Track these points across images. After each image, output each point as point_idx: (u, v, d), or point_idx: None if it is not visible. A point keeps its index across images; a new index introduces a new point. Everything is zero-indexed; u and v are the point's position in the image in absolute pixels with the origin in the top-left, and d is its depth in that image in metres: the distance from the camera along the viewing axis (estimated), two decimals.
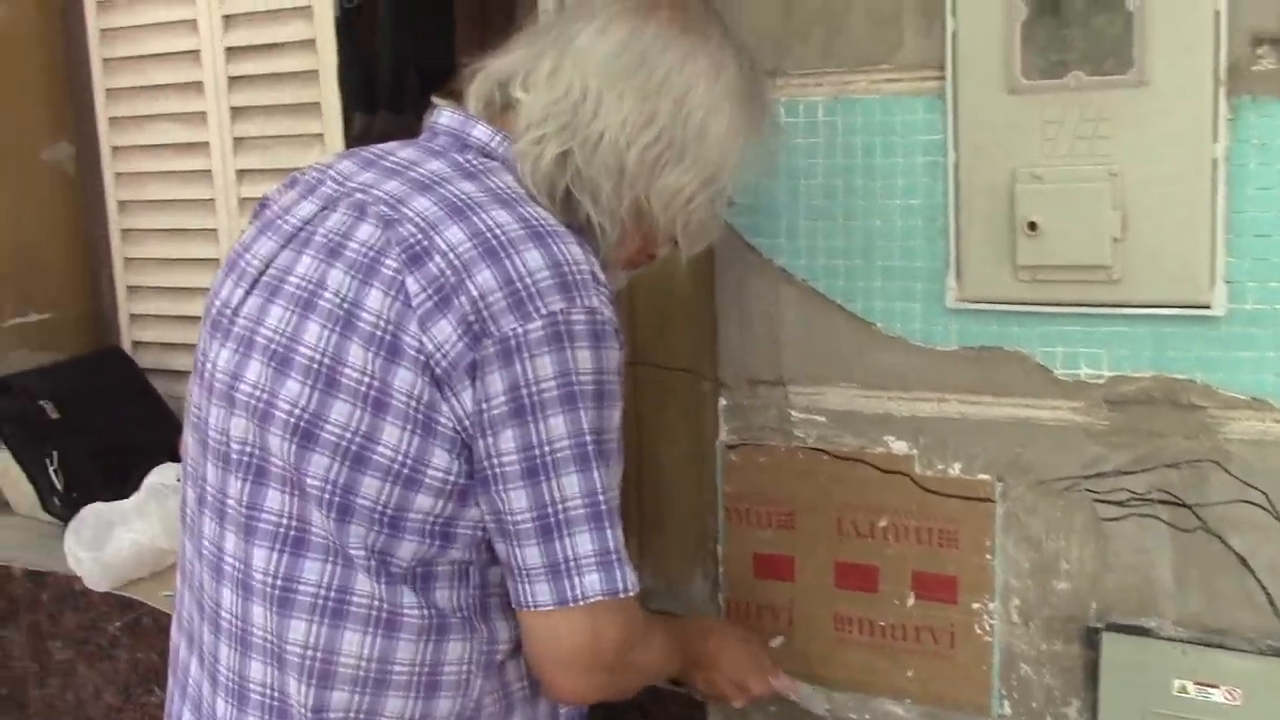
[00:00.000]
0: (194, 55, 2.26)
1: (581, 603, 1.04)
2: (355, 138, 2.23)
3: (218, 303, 1.18)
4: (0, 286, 2.33)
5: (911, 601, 1.46)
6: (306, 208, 1.16)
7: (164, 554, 1.93)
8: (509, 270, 1.03)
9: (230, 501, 1.10)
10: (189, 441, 1.20)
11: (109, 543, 1.91)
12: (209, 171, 2.29)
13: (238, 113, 2.24)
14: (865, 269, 1.45)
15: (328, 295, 1.07)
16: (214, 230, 2.30)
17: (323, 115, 2.15)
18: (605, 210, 1.14)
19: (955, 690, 1.44)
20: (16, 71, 2.35)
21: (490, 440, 1.03)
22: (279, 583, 1.07)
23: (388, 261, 1.06)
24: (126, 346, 2.45)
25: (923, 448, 1.43)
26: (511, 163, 1.14)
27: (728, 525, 1.55)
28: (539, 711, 1.18)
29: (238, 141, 2.25)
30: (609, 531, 1.05)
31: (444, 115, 1.19)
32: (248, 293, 1.14)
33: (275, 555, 1.07)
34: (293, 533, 1.07)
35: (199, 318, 2.34)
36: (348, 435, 1.04)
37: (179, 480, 1.95)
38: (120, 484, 2.12)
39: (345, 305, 1.06)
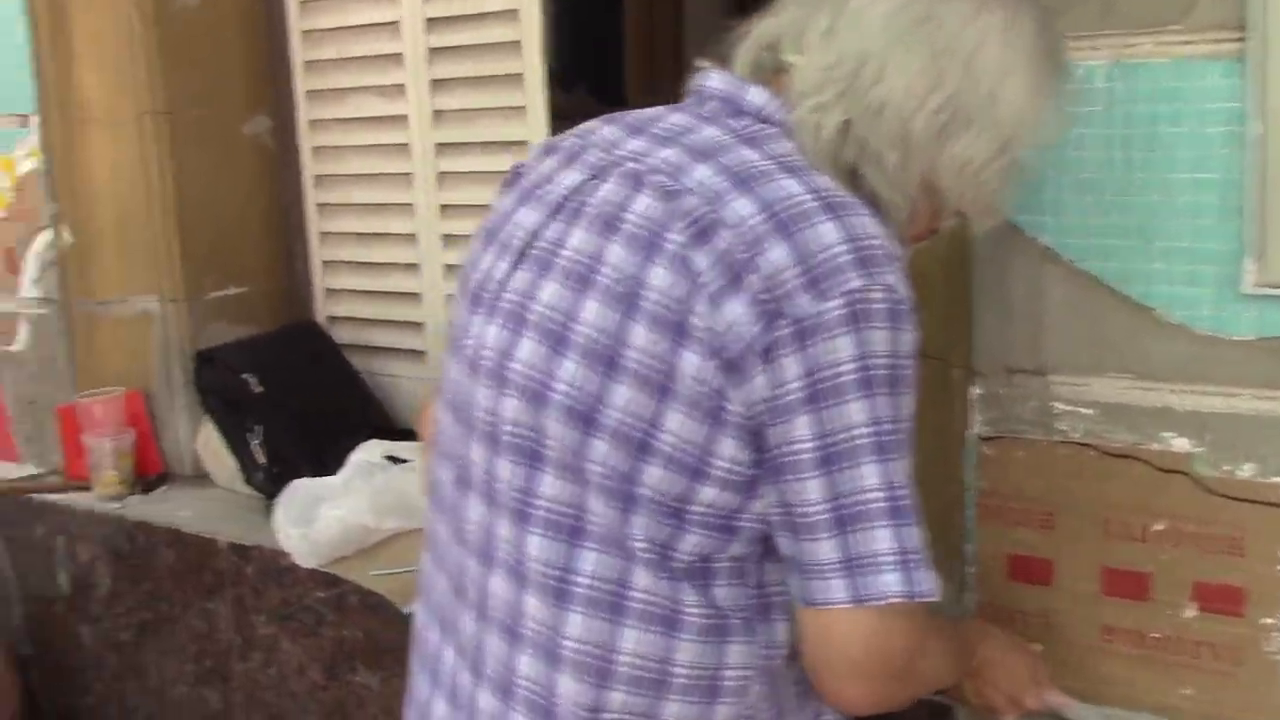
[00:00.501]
0: (394, 27, 2.23)
1: (877, 603, 0.95)
2: None
3: (477, 275, 1.12)
4: (202, 260, 2.34)
5: (1190, 613, 1.34)
6: (571, 177, 1.09)
7: (369, 532, 1.90)
8: (803, 245, 0.95)
9: (501, 485, 1.05)
10: (444, 419, 1.15)
11: (316, 519, 1.89)
12: (407, 145, 2.26)
13: (437, 85, 2.20)
14: (1143, 249, 1.33)
15: (606, 271, 1.00)
16: (410, 205, 2.27)
17: (525, 87, 2.10)
18: (893, 183, 1.04)
19: (1238, 712, 1.32)
20: (218, 44, 2.35)
21: (782, 428, 0.95)
22: (555, 573, 1.01)
23: (671, 235, 0.98)
24: (320, 321, 2.45)
25: (1208, 446, 1.31)
26: (789, 129, 1.05)
27: (978, 523, 1.45)
28: (804, 717, 1.10)
29: (437, 114, 2.21)
30: (908, 529, 0.96)
31: (713, 78, 1.11)
32: (514, 266, 1.08)
33: (552, 544, 1.01)
34: (569, 521, 1.01)
35: (393, 293, 2.34)
36: (630, 421, 0.98)
37: (385, 458, 1.94)
38: (319, 459, 2.11)
39: (626, 282, 0.99)
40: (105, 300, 2.35)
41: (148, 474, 2.34)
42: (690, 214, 0.98)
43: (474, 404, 1.08)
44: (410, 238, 2.29)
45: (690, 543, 1.00)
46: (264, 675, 2.05)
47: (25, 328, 2.42)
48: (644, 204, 1.01)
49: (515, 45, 2.10)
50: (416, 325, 2.32)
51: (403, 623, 1.82)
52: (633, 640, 1.01)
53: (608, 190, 1.05)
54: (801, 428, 0.95)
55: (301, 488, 1.94)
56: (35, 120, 2.31)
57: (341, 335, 2.40)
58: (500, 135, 2.14)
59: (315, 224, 2.43)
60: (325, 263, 2.44)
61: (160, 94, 2.26)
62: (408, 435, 2.14)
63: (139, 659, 2.23)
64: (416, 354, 2.32)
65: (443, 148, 2.22)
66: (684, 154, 1.04)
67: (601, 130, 1.13)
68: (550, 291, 1.03)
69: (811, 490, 0.96)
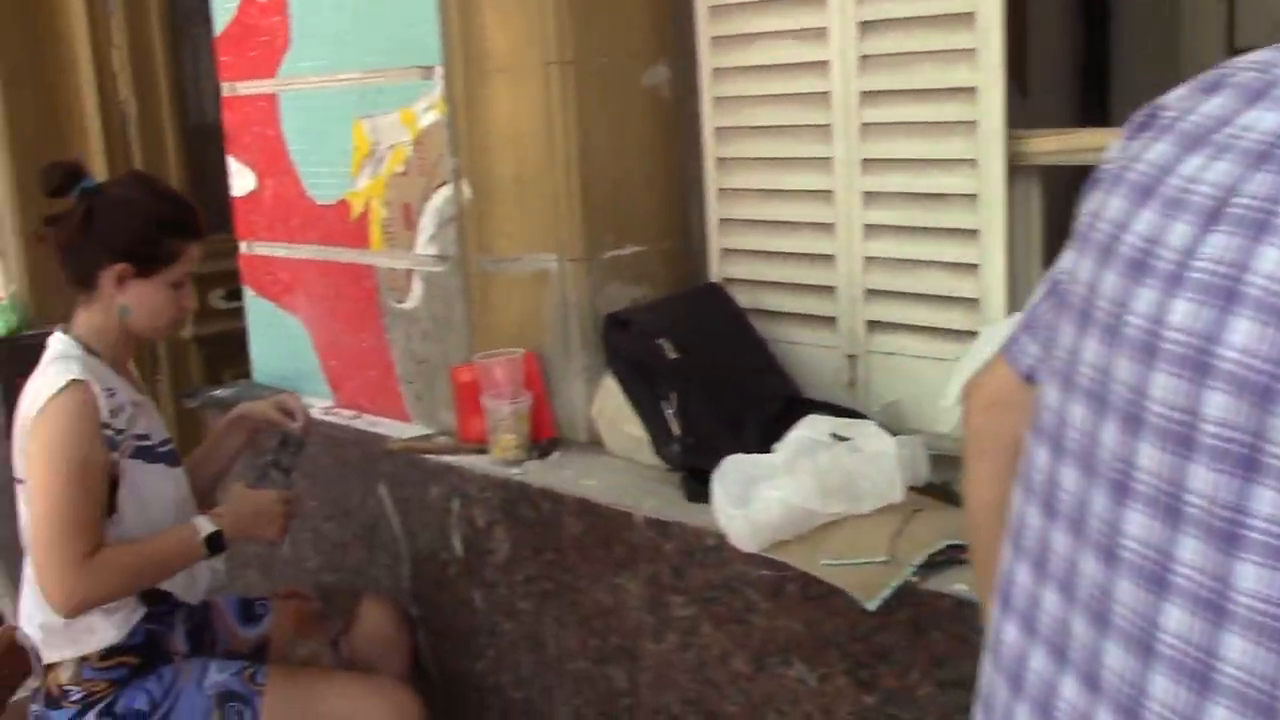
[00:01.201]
0: None
1: None
2: None
3: (1131, 238, 0.92)
4: (601, 218, 2.24)
5: None
6: (1270, 118, 0.88)
7: (811, 515, 1.75)
8: None
9: (1196, 499, 0.85)
10: (1073, 409, 0.96)
11: (754, 499, 1.75)
12: (825, 94, 2.08)
13: (867, 27, 2.01)
14: None
15: None
16: (827, 159, 2.09)
17: (975, 26, 1.88)
18: None
19: None
20: None
21: None
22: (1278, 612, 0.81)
23: None
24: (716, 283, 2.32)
25: None
26: None
27: None
28: None
29: (864, 60, 2.02)
30: None
31: None
32: (1204, 229, 0.87)
33: (1274, 575, 0.81)
34: None
35: (801, 255, 2.18)
36: None
37: (834, 436, 1.78)
38: (735, 432, 1.98)
39: None
40: (502, 258, 2.28)
41: (539, 439, 2.26)
42: None
43: (1145, 395, 0.88)
44: (825, 195, 2.11)
45: None
46: (679, 659, 1.93)
47: (419, 285, 2.38)
48: None
49: None
50: (827, 289, 2.14)
51: (851, 616, 1.66)
52: None
53: None
54: None
55: (735, 465, 1.80)
56: (439, 72, 2.25)
57: (738, 298, 2.26)
58: (942, 81, 1.93)
59: (714, 180, 2.28)
60: (723, 221, 2.29)
61: (567, 42, 2.16)
62: (833, 410, 1.97)
63: (537, 629, 2.16)
64: (825, 320, 2.15)
65: (869, 96, 2.03)
66: None
67: None
68: (1274, 261, 0.82)
69: None
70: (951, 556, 1.64)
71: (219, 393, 2.78)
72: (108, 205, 1.94)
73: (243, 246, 2.81)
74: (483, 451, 2.27)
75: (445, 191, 2.29)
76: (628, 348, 2.05)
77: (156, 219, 1.95)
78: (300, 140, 2.58)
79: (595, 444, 2.26)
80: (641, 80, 2.28)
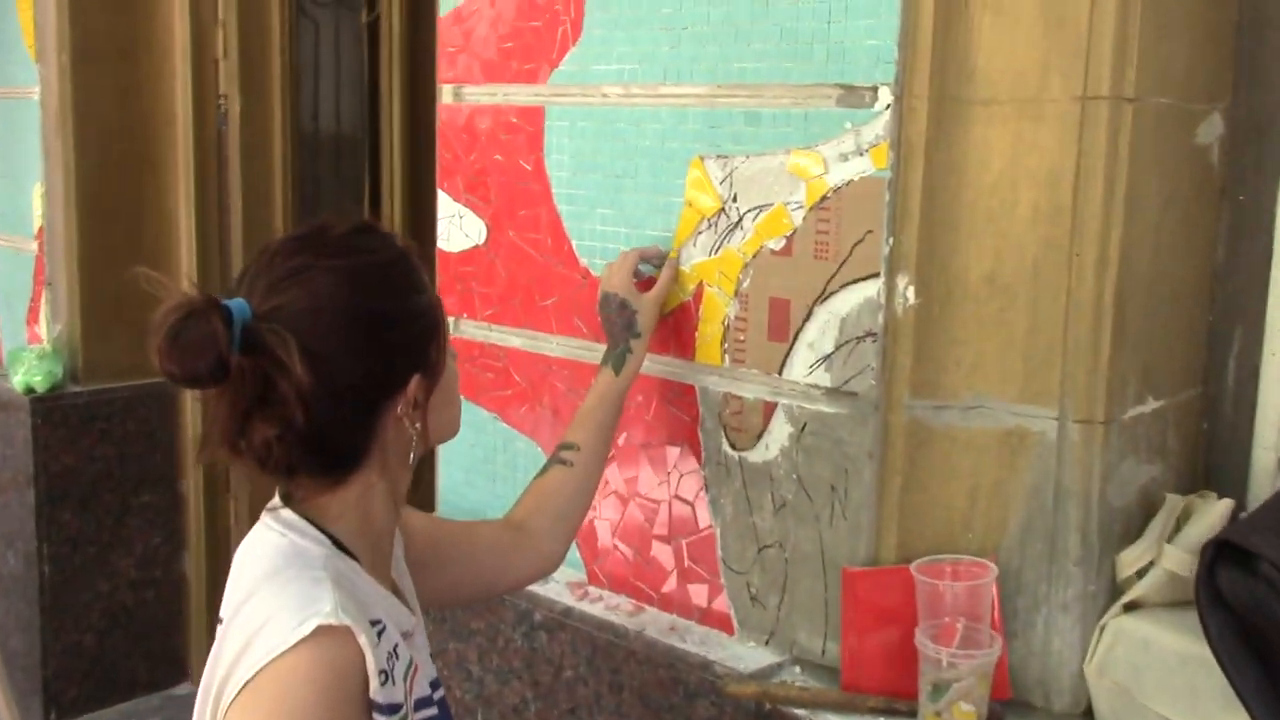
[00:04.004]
0: None
1: None
2: None
3: None
4: (1131, 352, 1.37)
5: None
6: None
7: None
8: None
9: None
10: None
11: None
12: None
13: None
14: None
15: None
16: None
17: None
18: None
19: None
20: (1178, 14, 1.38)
21: None
22: None
23: None
24: (1267, 468, 1.46)
25: None
26: None
27: None
28: None
29: None
30: None
31: None
32: None
33: None
34: None
35: None
36: None
37: None
38: None
39: None
40: (949, 404, 1.41)
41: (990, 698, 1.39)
42: None
43: None
44: None
45: None
46: None
47: (784, 428, 1.50)
48: None
49: None
50: None
51: None
52: None
53: None
54: None
55: None
56: (885, 96, 1.37)
57: None
58: None
59: None
60: None
61: (1128, 68, 1.30)
62: None
63: None
64: None
65: None
66: None
67: None
68: None
69: None
70: None
71: None
72: (334, 321, 1.03)
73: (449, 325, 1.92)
74: (896, 715, 1.39)
75: (866, 290, 1.41)
76: (1252, 598, 1.18)
77: (422, 295, 1.11)
78: (578, 180, 1.70)
79: (1072, 715, 1.39)
80: (1195, 136, 1.43)
